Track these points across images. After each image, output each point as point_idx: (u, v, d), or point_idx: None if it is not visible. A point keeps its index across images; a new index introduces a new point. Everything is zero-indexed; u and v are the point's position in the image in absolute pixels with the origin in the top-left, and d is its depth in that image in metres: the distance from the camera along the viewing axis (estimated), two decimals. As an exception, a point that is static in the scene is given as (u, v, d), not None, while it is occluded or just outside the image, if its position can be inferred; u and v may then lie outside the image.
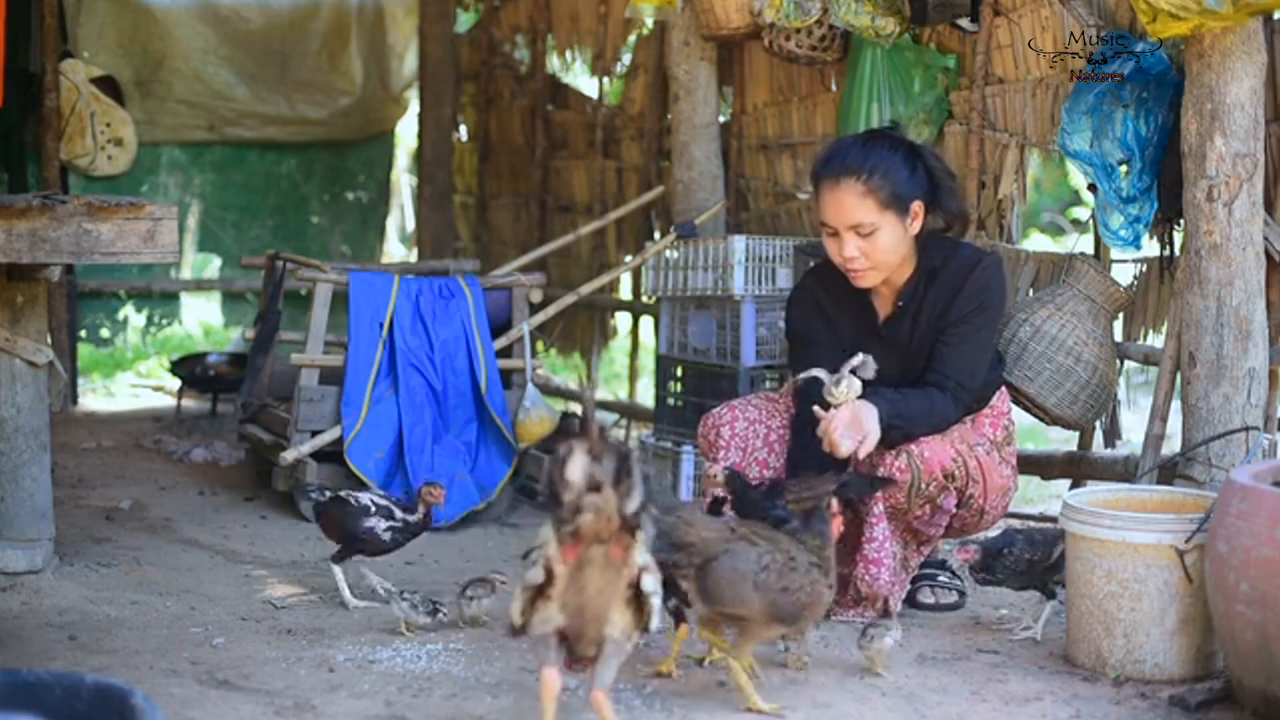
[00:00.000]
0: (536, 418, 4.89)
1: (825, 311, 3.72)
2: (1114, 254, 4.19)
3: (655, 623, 2.50)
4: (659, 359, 5.34)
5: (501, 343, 5.01)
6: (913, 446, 3.47)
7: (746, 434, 3.70)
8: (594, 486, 2.34)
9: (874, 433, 3.35)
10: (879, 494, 3.47)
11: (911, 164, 3.56)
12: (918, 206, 3.56)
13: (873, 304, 3.69)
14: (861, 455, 3.36)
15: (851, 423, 3.34)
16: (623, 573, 2.44)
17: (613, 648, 2.48)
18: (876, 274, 3.59)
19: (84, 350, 7.73)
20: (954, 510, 3.55)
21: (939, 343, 3.57)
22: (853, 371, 3.33)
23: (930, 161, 3.61)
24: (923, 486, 3.46)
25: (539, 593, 2.46)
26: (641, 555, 2.44)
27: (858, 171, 3.51)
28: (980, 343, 3.59)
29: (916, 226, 3.57)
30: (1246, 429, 3.51)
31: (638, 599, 2.47)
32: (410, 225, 10.28)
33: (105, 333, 8.09)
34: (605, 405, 6.86)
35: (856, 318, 3.69)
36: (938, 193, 3.60)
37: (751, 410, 3.74)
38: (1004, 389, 3.77)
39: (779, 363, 4.81)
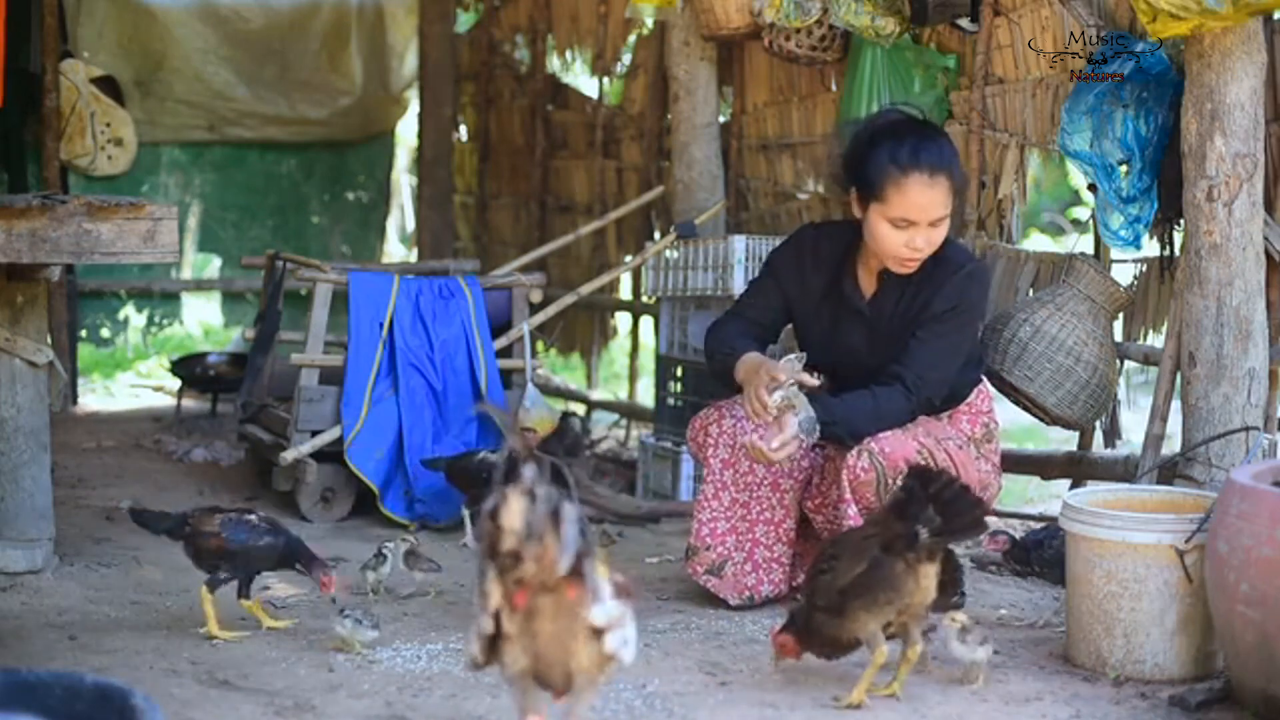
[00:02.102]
0: (537, 418, 4.88)
1: (804, 268, 3.73)
2: (1114, 254, 4.19)
3: (626, 661, 2.36)
4: (659, 359, 5.34)
5: (501, 343, 5.01)
6: (872, 444, 3.47)
7: (734, 430, 3.70)
8: (533, 534, 2.20)
9: (790, 429, 3.38)
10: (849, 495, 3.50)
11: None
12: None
13: (856, 277, 3.69)
14: (777, 446, 3.39)
15: (772, 426, 3.41)
16: (579, 613, 2.29)
17: (583, 681, 2.35)
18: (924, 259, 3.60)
19: (84, 350, 7.73)
20: None
21: (911, 336, 3.58)
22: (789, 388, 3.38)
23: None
24: (890, 482, 3.46)
25: (497, 636, 2.33)
26: (597, 605, 2.29)
27: (949, 170, 3.51)
28: (949, 344, 3.57)
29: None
30: (1246, 429, 3.51)
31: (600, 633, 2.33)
32: (410, 225, 10.28)
33: (105, 333, 8.09)
34: (605, 405, 6.86)
35: (834, 286, 3.70)
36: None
37: (739, 409, 3.74)
38: (984, 388, 3.77)
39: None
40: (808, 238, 3.79)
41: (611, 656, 2.33)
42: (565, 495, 2.25)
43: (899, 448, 3.48)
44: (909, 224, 3.49)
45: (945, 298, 3.55)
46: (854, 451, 3.47)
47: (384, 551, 3.74)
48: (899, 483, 3.43)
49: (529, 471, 2.23)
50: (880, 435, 3.48)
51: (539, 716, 2.36)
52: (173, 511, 3.52)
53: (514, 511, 2.22)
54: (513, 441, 2.27)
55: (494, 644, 2.34)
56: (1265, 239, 3.55)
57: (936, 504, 2.87)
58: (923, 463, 3.49)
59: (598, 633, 2.32)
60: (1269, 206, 3.63)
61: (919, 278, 3.59)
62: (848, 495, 3.49)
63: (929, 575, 2.89)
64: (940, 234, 3.53)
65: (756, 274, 3.91)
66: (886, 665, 2.95)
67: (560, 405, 6.68)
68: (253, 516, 3.44)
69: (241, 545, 3.36)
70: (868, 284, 3.68)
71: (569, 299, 5.39)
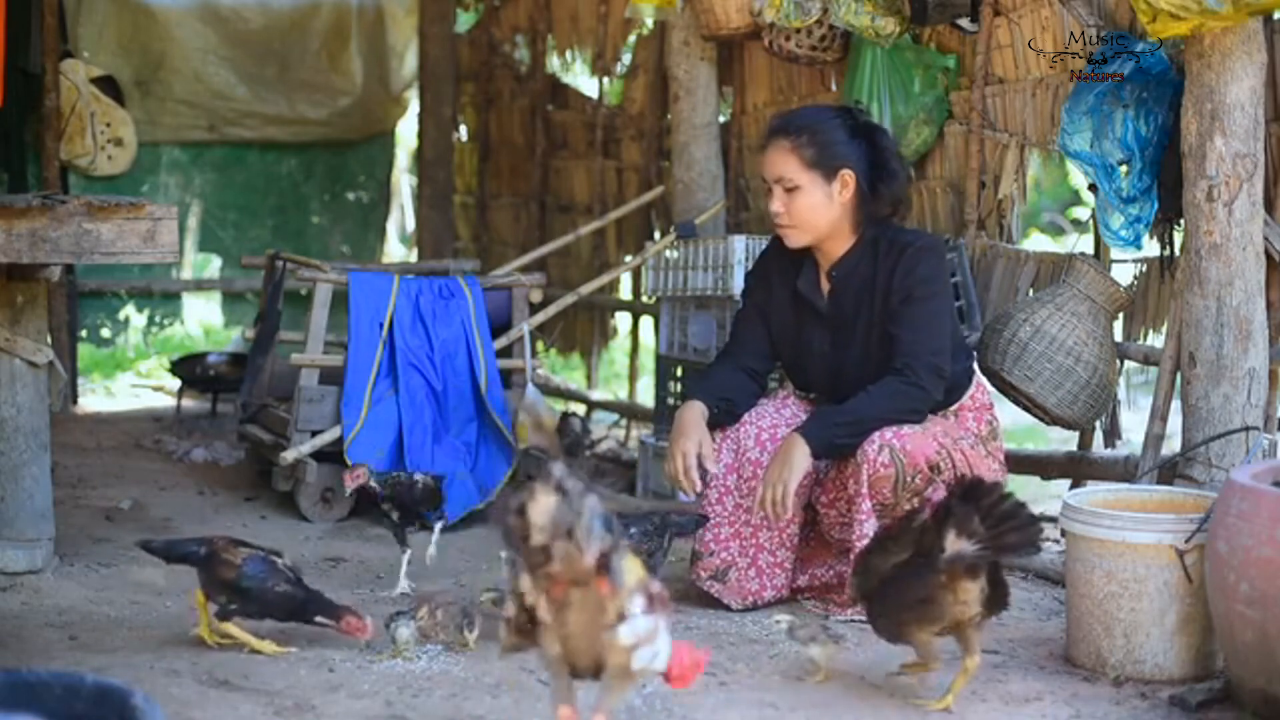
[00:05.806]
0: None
1: (770, 277, 3.79)
2: (1114, 254, 4.19)
3: (654, 667, 2.39)
4: (659, 359, 5.34)
5: (501, 343, 5.01)
6: (894, 440, 3.47)
7: (738, 436, 3.71)
8: (560, 530, 2.21)
9: (799, 467, 3.46)
10: (865, 490, 3.49)
11: (850, 134, 3.63)
12: (848, 175, 3.60)
13: (817, 280, 3.72)
14: (785, 494, 3.44)
15: (780, 464, 3.47)
16: (609, 607, 2.30)
17: (616, 671, 2.36)
18: (799, 234, 3.65)
19: (84, 350, 7.73)
20: None
21: (890, 330, 3.57)
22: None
23: (880, 141, 3.67)
24: (908, 480, 3.46)
25: (530, 623, 2.36)
26: (625, 600, 2.30)
27: (790, 131, 3.63)
28: (930, 319, 3.56)
29: (846, 195, 3.61)
30: (1246, 429, 3.51)
31: None
32: (410, 225, 10.28)
33: (106, 333, 8.09)
34: (605, 405, 6.86)
35: (794, 288, 3.74)
36: (879, 173, 3.63)
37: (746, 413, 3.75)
38: (980, 382, 3.78)
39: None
40: (773, 246, 3.85)
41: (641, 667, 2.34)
42: (589, 490, 2.26)
43: (920, 446, 3.48)
44: (768, 186, 3.67)
45: (900, 278, 3.57)
46: (874, 446, 3.47)
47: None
48: (917, 480, 3.45)
49: (557, 468, 2.23)
50: (902, 432, 3.48)
51: (571, 708, 2.37)
52: (187, 539, 3.37)
53: (541, 507, 2.22)
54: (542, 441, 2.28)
55: (527, 631, 2.37)
56: (1265, 239, 3.55)
57: (986, 519, 2.79)
58: (942, 462, 3.49)
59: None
60: (1269, 206, 3.63)
61: (871, 267, 3.62)
62: (864, 490, 3.48)
63: (968, 591, 2.83)
64: (797, 204, 3.61)
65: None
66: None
67: (560, 405, 6.68)
68: (278, 560, 3.27)
69: (258, 585, 3.20)
70: (824, 284, 3.71)
71: (569, 299, 5.39)
